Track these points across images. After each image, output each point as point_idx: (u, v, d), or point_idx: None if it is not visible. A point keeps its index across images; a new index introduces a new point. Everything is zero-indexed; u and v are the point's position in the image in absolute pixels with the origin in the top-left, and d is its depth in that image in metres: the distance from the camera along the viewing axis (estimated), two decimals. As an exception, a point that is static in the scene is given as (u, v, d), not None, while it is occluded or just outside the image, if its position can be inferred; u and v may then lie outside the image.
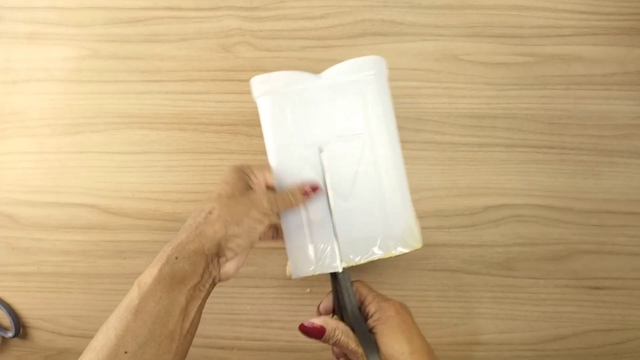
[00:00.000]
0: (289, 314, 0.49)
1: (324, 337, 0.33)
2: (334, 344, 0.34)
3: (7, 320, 0.49)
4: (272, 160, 0.38)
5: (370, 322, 0.34)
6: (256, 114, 0.49)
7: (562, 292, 0.48)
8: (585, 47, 0.49)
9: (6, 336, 0.49)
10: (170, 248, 0.31)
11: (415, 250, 0.37)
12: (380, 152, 0.37)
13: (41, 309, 0.49)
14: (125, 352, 0.27)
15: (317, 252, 0.36)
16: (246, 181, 0.35)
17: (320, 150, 0.37)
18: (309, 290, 0.49)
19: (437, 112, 0.49)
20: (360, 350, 0.33)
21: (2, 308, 0.49)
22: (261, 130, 0.49)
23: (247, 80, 0.49)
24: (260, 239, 0.35)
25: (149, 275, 0.30)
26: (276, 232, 0.39)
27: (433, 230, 0.48)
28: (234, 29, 0.49)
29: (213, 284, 0.33)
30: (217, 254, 0.32)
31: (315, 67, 0.48)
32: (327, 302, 0.38)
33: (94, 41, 0.50)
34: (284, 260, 0.49)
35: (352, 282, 0.37)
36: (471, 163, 0.48)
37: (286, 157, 0.38)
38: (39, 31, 0.50)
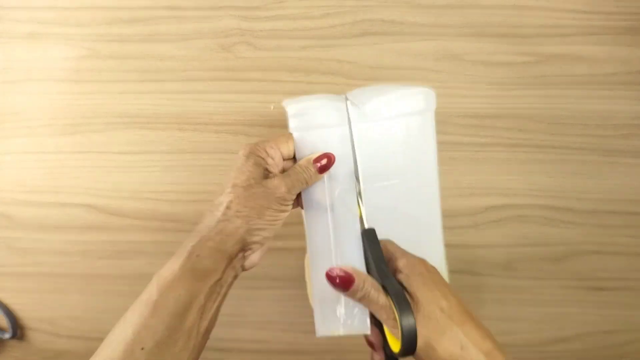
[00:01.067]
0: (290, 316, 0.48)
1: (351, 289, 0.30)
2: (361, 299, 0.30)
3: (4, 322, 0.49)
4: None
5: (401, 277, 0.31)
6: (255, 114, 0.49)
7: (564, 293, 0.48)
8: (587, 47, 0.49)
9: (3, 337, 0.48)
10: (191, 244, 0.30)
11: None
12: (423, 192, 0.36)
13: (39, 310, 0.49)
14: (142, 349, 0.26)
15: (347, 309, 0.33)
16: (262, 166, 0.32)
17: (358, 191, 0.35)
18: (309, 291, 0.48)
19: (438, 112, 0.48)
20: (390, 304, 0.30)
21: (0, 309, 0.48)
22: (261, 131, 0.49)
23: (247, 80, 0.50)
24: None
25: (168, 271, 0.29)
26: (296, 201, 0.36)
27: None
28: (234, 28, 0.49)
29: (235, 277, 0.32)
30: (242, 249, 0.31)
31: (316, 67, 0.48)
32: None
33: (93, 41, 0.50)
34: (284, 261, 0.49)
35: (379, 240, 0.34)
36: (472, 163, 0.48)
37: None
38: (39, 31, 0.50)
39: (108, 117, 0.49)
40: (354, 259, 0.34)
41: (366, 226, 0.34)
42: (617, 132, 0.48)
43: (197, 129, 0.49)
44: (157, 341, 0.27)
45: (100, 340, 0.48)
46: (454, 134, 0.48)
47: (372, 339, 0.33)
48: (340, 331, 0.33)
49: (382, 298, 0.30)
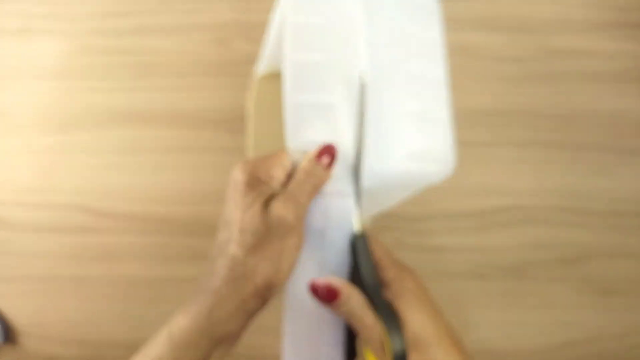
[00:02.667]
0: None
1: (335, 303, 0.27)
2: (343, 314, 0.27)
3: (-5, 326, 0.48)
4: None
5: (389, 292, 0.28)
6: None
7: (574, 297, 0.47)
8: (598, 42, 0.49)
9: (-6, 342, 0.47)
10: (209, 302, 0.27)
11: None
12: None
13: (30, 313, 0.48)
14: None
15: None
16: (263, 195, 0.29)
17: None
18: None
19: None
20: (378, 326, 0.27)
21: (-10, 313, 0.47)
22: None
23: (243, 75, 0.48)
24: None
25: (182, 329, 0.27)
26: None
27: (440, 232, 0.47)
28: (229, 21, 0.48)
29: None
30: (263, 304, 0.28)
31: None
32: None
33: (84, 36, 0.49)
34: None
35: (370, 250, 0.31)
36: (480, 162, 0.47)
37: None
38: (29, 25, 0.49)
39: (99, 116, 0.48)
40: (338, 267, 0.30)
41: (356, 229, 0.30)
42: (631, 130, 0.48)
43: (191, 126, 0.48)
44: None
45: (91, 343, 0.47)
46: (461, 131, 0.47)
47: None
48: None
49: (368, 319, 0.27)
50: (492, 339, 0.47)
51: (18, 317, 0.48)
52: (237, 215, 0.28)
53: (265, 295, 0.28)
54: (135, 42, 0.48)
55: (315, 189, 0.29)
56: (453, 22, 0.48)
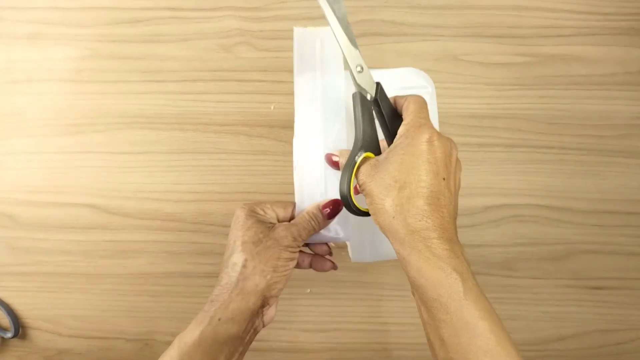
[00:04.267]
0: (289, 314, 0.48)
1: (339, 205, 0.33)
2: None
3: (6, 321, 0.49)
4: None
5: (396, 141, 0.30)
6: (256, 114, 0.49)
7: (562, 292, 0.48)
8: (585, 47, 0.49)
9: (5, 336, 0.49)
10: (213, 309, 0.31)
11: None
12: None
13: (41, 309, 0.49)
14: None
15: None
16: (264, 221, 0.33)
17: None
18: (309, 290, 0.48)
19: (437, 112, 0.49)
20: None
21: (2, 308, 0.49)
22: (261, 131, 0.49)
23: (248, 81, 0.50)
24: None
25: (190, 336, 0.30)
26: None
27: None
28: (235, 29, 0.49)
29: (255, 334, 0.33)
30: (262, 305, 0.32)
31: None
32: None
33: (95, 41, 0.50)
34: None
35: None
36: (471, 163, 0.48)
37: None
38: (40, 31, 0.50)
39: (109, 118, 0.49)
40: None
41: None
42: (615, 132, 0.49)
43: (199, 129, 0.49)
44: None
45: (101, 339, 0.48)
46: (452, 134, 0.48)
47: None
48: None
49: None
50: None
51: (29, 312, 0.49)
52: (239, 234, 0.32)
53: (264, 295, 0.31)
54: (145, 48, 0.49)
55: (315, 230, 0.34)
56: (445, 29, 0.49)
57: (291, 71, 0.49)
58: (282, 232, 0.32)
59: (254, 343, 0.36)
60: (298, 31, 0.37)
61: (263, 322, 0.33)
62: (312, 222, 0.33)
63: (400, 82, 0.37)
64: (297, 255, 0.34)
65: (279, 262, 0.32)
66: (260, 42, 0.49)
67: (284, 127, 0.49)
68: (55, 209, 0.49)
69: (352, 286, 0.48)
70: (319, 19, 0.49)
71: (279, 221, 0.35)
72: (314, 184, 0.35)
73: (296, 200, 0.35)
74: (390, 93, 0.34)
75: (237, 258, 0.31)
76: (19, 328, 0.49)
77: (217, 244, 0.49)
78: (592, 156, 0.48)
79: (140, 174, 0.49)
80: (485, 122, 0.49)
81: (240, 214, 0.33)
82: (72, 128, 0.49)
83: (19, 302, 0.49)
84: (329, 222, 0.34)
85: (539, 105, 0.49)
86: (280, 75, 0.49)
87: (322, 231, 0.35)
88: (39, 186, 0.49)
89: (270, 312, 0.33)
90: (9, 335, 0.48)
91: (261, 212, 0.34)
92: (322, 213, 0.34)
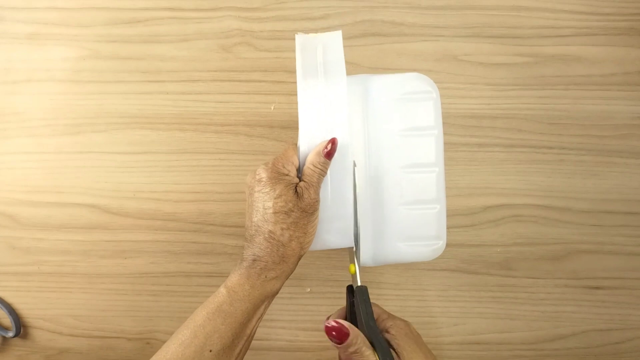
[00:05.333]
0: (289, 313, 0.49)
1: (345, 343, 0.31)
2: (351, 353, 0.32)
3: (7, 320, 0.49)
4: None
5: (388, 336, 0.34)
6: (256, 114, 0.49)
7: (561, 292, 0.48)
8: (584, 48, 0.49)
9: (7, 336, 0.49)
10: (260, 267, 0.34)
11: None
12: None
13: (42, 308, 0.49)
14: (210, 351, 0.31)
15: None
16: (292, 185, 0.35)
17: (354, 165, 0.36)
18: (309, 289, 0.49)
19: (441, 116, 0.49)
20: None
21: (3, 308, 0.49)
22: (261, 131, 0.49)
23: (248, 81, 0.50)
24: None
25: (239, 285, 0.33)
26: None
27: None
28: (234, 29, 0.49)
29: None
30: (296, 264, 0.36)
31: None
32: (339, 315, 0.38)
33: (94, 41, 0.50)
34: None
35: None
36: (471, 163, 0.48)
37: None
38: (40, 31, 0.50)
39: (109, 118, 0.49)
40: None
41: (359, 283, 0.36)
42: (615, 132, 0.49)
43: (198, 129, 0.49)
44: (224, 345, 0.32)
45: (102, 338, 0.49)
46: (453, 134, 0.49)
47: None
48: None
49: (371, 356, 0.32)
50: (482, 332, 0.48)
51: (30, 311, 0.49)
52: (268, 203, 0.34)
53: (300, 254, 0.35)
54: (144, 49, 0.49)
55: (323, 173, 0.35)
56: (445, 30, 0.49)
57: (291, 71, 0.49)
58: (306, 199, 0.34)
59: (254, 342, 0.36)
60: (300, 38, 0.37)
61: None
62: (319, 168, 0.35)
63: (403, 88, 0.37)
64: (318, 207, 0.35)
65: (308, 226, 0.35)
66: (260, 42, 0.49)
67: (284, 127, 0.49)
68: (55, 209, 0.49)
69: (351, 286, 0.48)
70: (319, 19, 0.50)
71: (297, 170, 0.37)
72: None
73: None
74: (394, 99, 0.34)
75: (272, 227, 0.34)
76: (21, 327, 0.49)
77: (217, 243, 0.49)
78: (592, 156, 0.48)
79: (140, 174, 0.49)
80: (485, 122, 0.49)
81: (262, 175, 0.35)
82: (71, 128, 0.49)
83: (20, 302, 0.50)
84: (330, 161, 0.35)
85: (538, 105, 0.49)
86: (280, 76, 0.49)
87: (326, 239, 0.37)
88: (39, 186, 0.49)
89: None
90: (11, 334, 0.49)
91: (285, 171, 0.35)
92: (323, 154, 0.35)
